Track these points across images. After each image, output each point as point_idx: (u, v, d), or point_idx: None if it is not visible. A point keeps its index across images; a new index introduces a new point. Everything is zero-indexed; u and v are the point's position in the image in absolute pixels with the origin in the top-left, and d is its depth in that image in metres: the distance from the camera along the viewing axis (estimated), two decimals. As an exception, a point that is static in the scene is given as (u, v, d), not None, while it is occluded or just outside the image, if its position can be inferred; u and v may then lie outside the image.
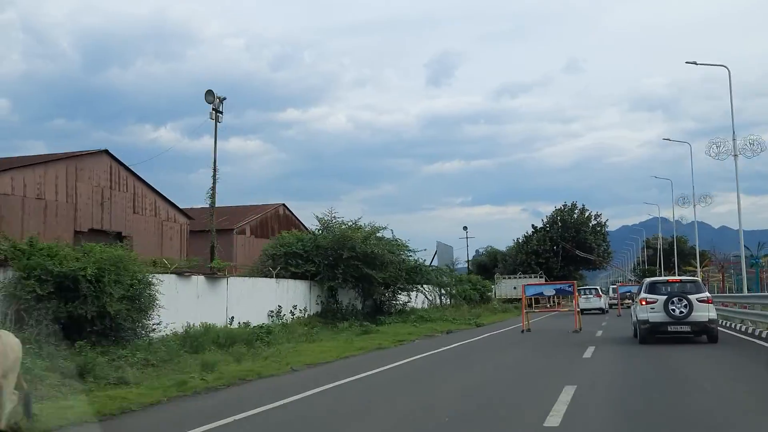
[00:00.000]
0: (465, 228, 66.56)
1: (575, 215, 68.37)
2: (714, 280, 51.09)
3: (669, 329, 15.62)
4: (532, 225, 69.38)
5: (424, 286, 30.08)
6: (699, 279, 21.20)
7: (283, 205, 43.56)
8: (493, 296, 53.54)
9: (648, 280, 18.59)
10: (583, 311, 32.10)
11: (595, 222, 68.33)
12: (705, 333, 15.69)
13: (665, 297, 15.59)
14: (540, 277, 59.02)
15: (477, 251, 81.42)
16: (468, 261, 73.08)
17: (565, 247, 66.61)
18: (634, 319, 17.27)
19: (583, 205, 68.46)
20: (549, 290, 27.49)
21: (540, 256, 65.08)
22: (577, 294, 26.01)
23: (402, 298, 28.94)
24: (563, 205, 68.50)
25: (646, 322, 15.78)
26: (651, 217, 76.86)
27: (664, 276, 41.13)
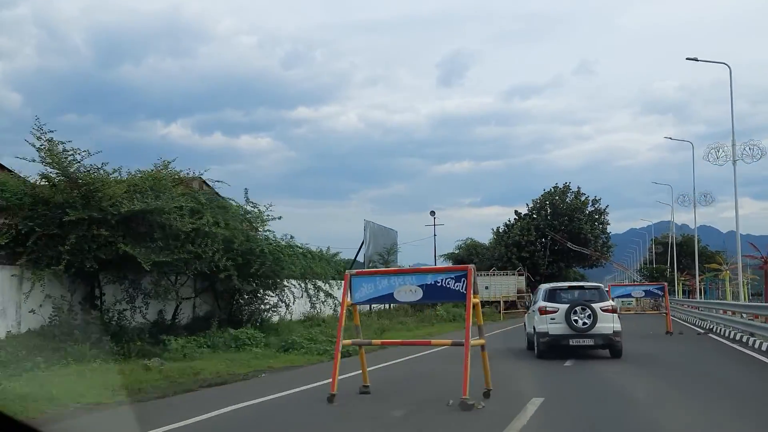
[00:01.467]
0: (432, 213, 53.85)
1: (568, 199, 55.58)
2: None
3: (570, 342, 14.37)
4: (515, 211, 56.56)
5: (290, 281, 17.21)
6: (602, 285, 18.85)
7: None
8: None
9: (546, 286, 16.90)
10: None
11: (593, 209, 55.55)
12: (608, 347, 14.60)
13: (567, 306, 14.47)
14: (520, 275, 46.20)
15: (457, 245, 68.62)
16: (436, 255, 60.42)
17: (555, 238, 53.74)
18: (530, 330, 16.05)
19: (578, 187, 55.74)
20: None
21: (523, 248, 52.58)
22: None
23: (272, 300, 19.16)
24: (553, 188, 55.60)
25: (545, 334, 14.49)
26: (659, 221, 77.14)
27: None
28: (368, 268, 29.12)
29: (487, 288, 48.39)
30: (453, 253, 68.73)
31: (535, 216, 57.90)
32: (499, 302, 47.29)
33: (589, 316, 14.29)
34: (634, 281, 69.07)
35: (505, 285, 47.31)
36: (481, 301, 25.28)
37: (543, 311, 14.70)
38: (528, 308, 17.41)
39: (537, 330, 14.81)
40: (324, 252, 21.53)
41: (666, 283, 26.16)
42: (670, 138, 46.22)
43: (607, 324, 14.37)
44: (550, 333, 14.46)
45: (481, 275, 49.66)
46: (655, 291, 26.13)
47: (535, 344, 14.96)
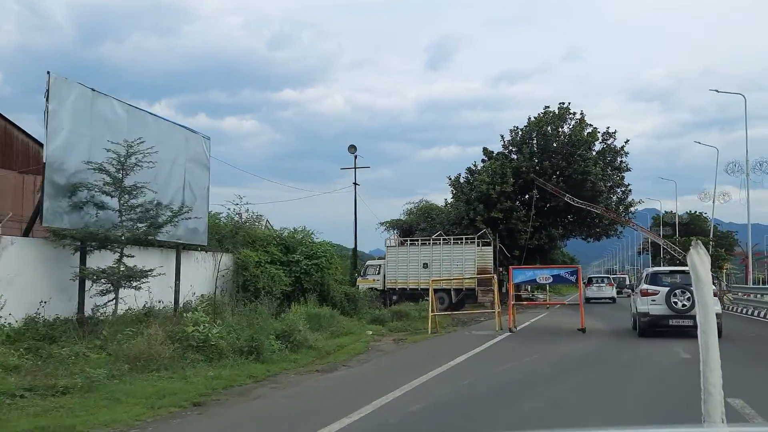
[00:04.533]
0: (352, 149, 33.47)
1: (566, 126, 35.05)
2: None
3: (671, 323, 16.02)
4: (484, 149, 36.23)
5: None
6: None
7: None
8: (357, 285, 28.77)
9: (650, 270, 19.70)
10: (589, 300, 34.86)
11: (604, 145, 34.97)
12: None
13: (667, 289, 16.13)
14: (485, 245, 25.76)
15: (405, 209, 48.60)
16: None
17: (545, 189, 33.61)
18: (634, 310, 17.98)
19: (582, 111, 35.04)
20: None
21: (494, 205, 32.27)
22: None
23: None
24: (543, 111, 34.98)
25: (646, 314, 16.22)
26: (643, 208, 61.56)
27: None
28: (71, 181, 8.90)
29: (425, 266, 27.93)
30: (398, 220, 48.47)
31: (514, 155, 37.38)
32: (448, 291, 27.19)
33: (688, 299, 15.56)
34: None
35: (458, 261, 26.98)
36: (410, 290, 23.38)
37: (645, 293, 16.27)
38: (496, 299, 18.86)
39: (638, 310, 16.57)
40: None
41: (579, 266, 20.67)
42: (717, 90, 39.53)
43: None
44: (651, 313, 16.04)
45: (414, 244, 29.29)
46: (566, 276, 19.10)
47: (637, 323, 16.77)
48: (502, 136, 39.57)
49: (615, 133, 38.74)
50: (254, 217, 21.59)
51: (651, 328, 16.03)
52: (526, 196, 37.62)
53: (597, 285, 40.35)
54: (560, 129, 37.95)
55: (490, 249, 29.40)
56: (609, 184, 38.51)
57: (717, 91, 34.02)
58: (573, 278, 17.89)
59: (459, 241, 29.12)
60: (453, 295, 28.27)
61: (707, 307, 3.11)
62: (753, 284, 42.25)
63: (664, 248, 37.58)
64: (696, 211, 71.42)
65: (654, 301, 15.91)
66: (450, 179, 39.28)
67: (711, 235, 47.45)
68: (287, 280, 19.59)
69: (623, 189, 39.14)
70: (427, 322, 19.56)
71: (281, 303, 18.35)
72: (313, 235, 21.79)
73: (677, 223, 63.62)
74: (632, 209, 39.24)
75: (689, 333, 14.46)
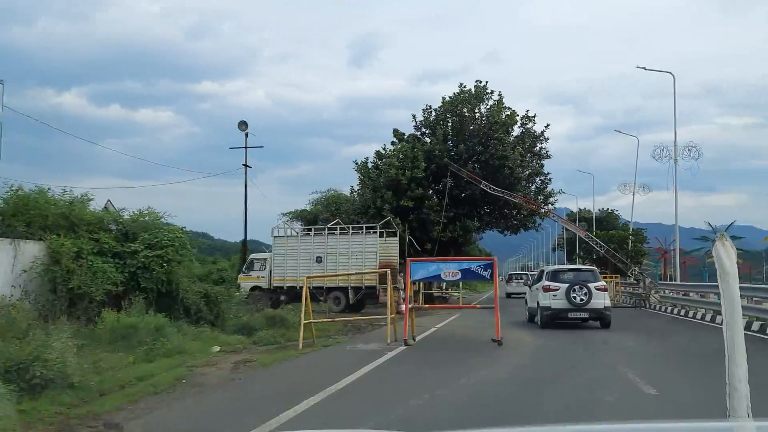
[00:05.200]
0: (242, 124, 28.53)
1: (484, 107, 31.57)
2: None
3: (569, 315, 17.41)
4: (394, 130, 32.07)
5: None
6: (595, 268, 21.32)
7: None
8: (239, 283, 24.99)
9: (550, 268, 21.71)
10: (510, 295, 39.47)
11: (523, 129, 31.76)
12: (600, 319, 17.61)
13: (567, 285, 17.44)
14: (390, 235, 21.25)
15: (311, 199, 44.18)
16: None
17: (459, 174, 29.91)
18: (533, 305, 19.00)
19: (500, 93, 31.60)
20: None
21: (403, 193, 28.14)
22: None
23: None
24: (458, 91, 31.25)
25: (548, 308, 17.55)
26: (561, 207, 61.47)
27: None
28: None
29: (319, 260, 23.35)
30: (303, 210, 44.07)
31: (428, 137, 33.66)
32: (345, 290, 23.05)
33: (585, 294, 17.18)
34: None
35: (357, 254, 22.83)
36: (301, 289, 14.71)
37: (547, 289, 17.62)
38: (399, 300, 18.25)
39: (541, 304, 17.85)
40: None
41: (495, 258, 16.34)
42: (645, 68, 32.94)
43: (600, 300, 17.41)
44: (553, 307, 17.48)
45: (307, 234, 25.05)
46: (478, 270, 14.67)
47: (539, 317, 17.88)
48: (414, 116, 35.60)
49: (534, 117, 35.71)
50: (81, 197, 16.42)
51: (552, 320, 17.53)
52: (440, 184, 33.98)
53: (516, 281, 44.52)
54: (477, 110, 34.43)
55: (396, 240, 25.38)
56: (528, 172, 35.40)
57: (645, 68, 30.62)
58: (487, 273, 13.83)
59: (359, 231, 24.90)
60: (351, 294, 24.07)
61: (733, 301, 3.05)
62: (670, 281, 40.57)
63: (585, 240, 34.86)
64: (608, 209, 71.62)
65: (555, 296, 17.46)
66: (356, 164, 35.11)
67: (630, 230, 45.63)
68: (118, 277, 14.72)
69: (542, 178, 36.15)
70: (309, 331, 15.41)
71: (100, 309, 13.52)
72: (162, 219, 16.94)
73: (594, 218, 62.51)
74: (552, 199, 36.34)
75: (588, 326, 17.48)
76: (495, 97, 34.64)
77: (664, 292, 27.24)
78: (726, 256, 3.13)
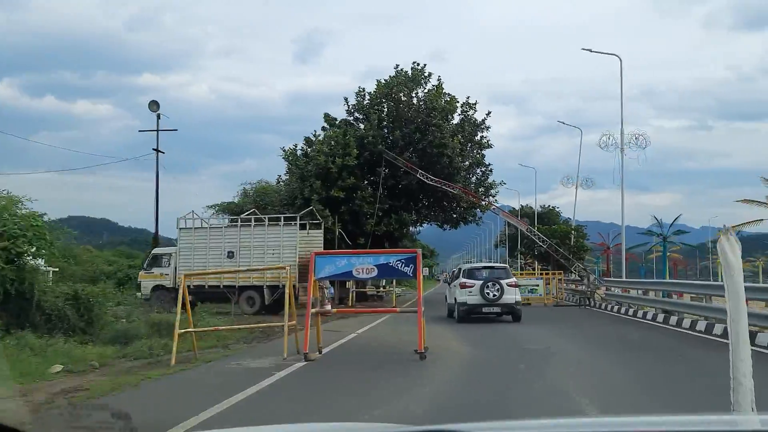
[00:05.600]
0: (153, 104, 25.08)
1: (420, 89, 29.24)
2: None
3: (483, 310, 18.68)
4: (325, 115, 29.29)
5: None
6: (507, 266, 24.80)
7: None
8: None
9: (466, 266, 22.32)
10: None
11: (463, 117, 29.54)
12: (511, 313, 18.86)
13: (481, 282, 18.66)
14: (314, 227, 18.32)
15: (240, 189, 40.76)
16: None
17: (395, 163, 27.42)
18: (452, 301, 20.25)
19: (439, 77, 29.38)
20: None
21: (334, 182, 25.45)
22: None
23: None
24: (395, 72, 28.77)
25: (464, 303, 18.69)
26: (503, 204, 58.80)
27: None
28: None
29: (231, 255, 20.25)
30: (230, 203, 40.81)
31: (361, 123, 31.19)
32: (260, 289, 20.27)
33: (498, 290, 18.44)
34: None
35: (274, 248, 20.10)
36: (210, 288, 19.06)
37: (463, 286, 18.85)
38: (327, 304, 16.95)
39: (458, 300, 19.05)
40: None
41: (419, 251, 13.43)
42: (590, 50, 31.83)
43: (511, 296, 18.69)
44: (468, 303, 18.65)
45: (218, 226, 22.20)
46: (397, 266, 11.70)
47: (456, 312, 19.22)
48: (346, 100, 32.84)
49: (476, 104, 33.72)
50: None
51: (468, 315, 18.63)
52: (375, 174, 31.49)
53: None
54: (414, 94, 32.12)
55: (320, 233, 22.75)
56: (468, 162, 33.37)
57: (590, 50, 29.58)
58: (409, 270, 11.19)
59: (277, 223, 22.15)
60: (266, 294, 21.34)
61: (738, 296, 3.04)
62: (614, 278, 39.29)
63: (527, 236, 33.11)
64: (549, 206, 71.11)
65: (471, 292, 18.55)
66: (284, 151, 32.27)
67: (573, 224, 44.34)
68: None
69: (483, 169, 34.18)
70: (209, 338, 12.70)
71: None
72: (20, 204, 13.78)
73: (535, 214, 61.48)
74: (493, 191, 33.92)
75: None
76: (434, 81, 32.58)
77: (609, 290, 25.66)
78: (731, 251, 3.13)
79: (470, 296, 18.43)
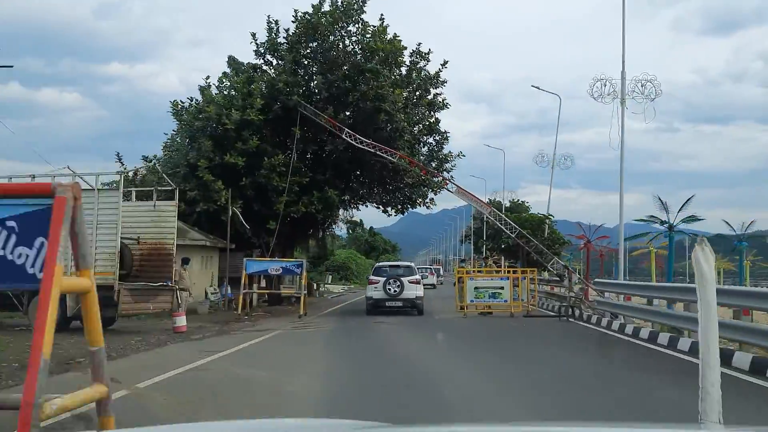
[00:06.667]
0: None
1: (354, 27, 20.89)
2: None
3: (387, 304, 20.63)
4: (229, 58, 20.96)
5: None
6: (413, 264, 25.43)
7: None
8: None
9: (377, 264, 25.94)
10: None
11: (409, 61, 21.15)
12: (414, 307, 20.78)
13: (385, 278, 20.83)
14: (134, 198, 9.20)
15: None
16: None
17: (315, 120, 18.80)
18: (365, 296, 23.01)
19: (382, 16, 21.25)
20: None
21: (231, 145, 17.15)
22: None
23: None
24: (317, 2, 20.42)
25: (371, 298, 21.00)
26: (468, 204, 48.08)
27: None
28: None
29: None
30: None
31: (273, 67, 23.42)
32: (62, 296, 10.30)
33: (398, 286, 20.51)
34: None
35: (107, 229, 11.53)
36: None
37: (370, 282, 21.40)
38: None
39: (366, 295, 21.96)
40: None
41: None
42: (538, 87, 38.05)
43: (412, 292, 20.67)
44: (374, 297, 20.87)
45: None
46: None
47: (366, 305, 21.47)
48: (253, 36, 24.37)
49: (429, 54, 26.20)
50: None
51: (374, 308, 20.69)
52: (289, 137, 23.58)
53: (422, 275, 41.00)
54: (346, 32, 24.29)
55: (173, 208, 15.05)
56: (418, 128, 25.86)
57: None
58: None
59: (89, 190, 14.28)
60: (69, 299, 13.59)
61: (709, 306, 3.02)
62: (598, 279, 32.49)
63: (494, 222, 25.69)
64: (519, 200, 65.13)
65: (376, 288, 20.76)
66: (171, 104, 24.38)
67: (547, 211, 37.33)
68: None
69: (438, 137, 26.77)
70: None
71: None
72: None
73: (503, 208, 55.10)
74: (449, 165, 25.88)
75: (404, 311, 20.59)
76: (375, 22, 24.89)
77: (603, 295, 18.55)
78: (705, 261, 3.15)
79: (375, 291, 20.80)
